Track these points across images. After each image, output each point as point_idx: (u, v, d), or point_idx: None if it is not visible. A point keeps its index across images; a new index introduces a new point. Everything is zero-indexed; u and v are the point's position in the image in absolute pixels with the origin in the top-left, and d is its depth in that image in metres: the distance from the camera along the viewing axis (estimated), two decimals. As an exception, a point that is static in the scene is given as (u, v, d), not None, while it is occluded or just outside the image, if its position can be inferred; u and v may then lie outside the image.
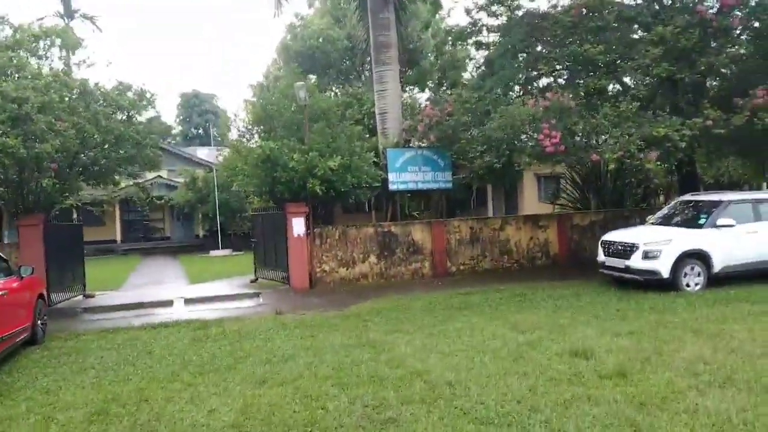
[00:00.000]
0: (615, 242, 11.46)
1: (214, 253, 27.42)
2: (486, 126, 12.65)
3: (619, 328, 7.68)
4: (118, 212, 32.35)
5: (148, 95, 13.40)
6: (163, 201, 32.36)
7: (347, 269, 13.35)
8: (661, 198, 19.42)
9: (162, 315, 10.77)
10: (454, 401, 5.00)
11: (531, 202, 23.12)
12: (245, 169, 13.02)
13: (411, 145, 15.17)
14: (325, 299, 11.70)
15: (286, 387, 5.69)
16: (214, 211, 28.33)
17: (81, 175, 13.08)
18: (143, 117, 13.73)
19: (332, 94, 28.11)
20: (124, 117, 12.66)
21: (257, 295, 12.51)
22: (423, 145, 14.57)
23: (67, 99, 11.27)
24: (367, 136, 16.67)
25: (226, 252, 27.29)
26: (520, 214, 21.34)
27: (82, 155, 12.52)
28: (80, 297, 13.20)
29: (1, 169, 9.61)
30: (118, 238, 32.22)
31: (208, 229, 30.73)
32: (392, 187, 14.36)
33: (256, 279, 14.69)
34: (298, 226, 12.86)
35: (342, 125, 14.10)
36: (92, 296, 13.43)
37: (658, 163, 14.94)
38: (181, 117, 56.04)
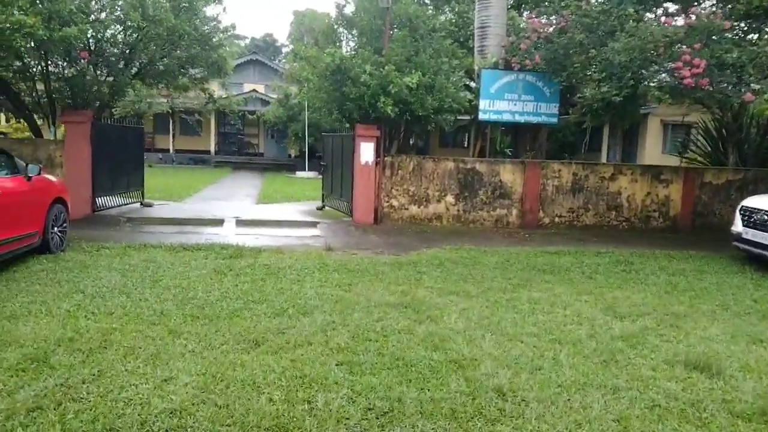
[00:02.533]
0: (759, 210, 9.01)
1: (300, 174, 26.93)
2: (608, 47, 10.24)
3: (758, 329, 5.67)
4: (213, 123, 32.54)
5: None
6: (255, 116, 32.05)
7: (419, 207, 11.79)
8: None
9: (204, 235, 9.86)
10: (496, 427, 3.41)
11: (653, 153, 20.13)
12: (312, 80, 11.54)
13: (512, 68, 12.89)
14: (387, 239, 10.28)
15: (279, 357, 4.36)
16: (304, 130, 27.50)
17: (138, 73, 12.20)
18: (210, 13, 12.48)
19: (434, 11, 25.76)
20: (181, 8, 11.38)
21: (315, 224, 11.32)
22: (527, 68, 12.30)
23: None
24: (464, 54, 14.57)
25: (312, 174, 26.65)
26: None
27: (135, 50, 11.55)
28: (137, 205, 12.70)
29: (20, 54, 8.63)
30: (212, 149, 32.59)
31: (299, 148, 30.16)
32: (482, 116, 12.37)
33: (323, 206, 13.55)
34: (366, 152, 11.36)
35: (431, 37, 12.12)
36: (150, 205, 12.91)
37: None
38: (293, 36, 55.19)
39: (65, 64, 10.84)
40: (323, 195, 13.78)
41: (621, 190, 12.41)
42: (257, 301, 5.87)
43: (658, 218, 12.62)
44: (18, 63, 10.39)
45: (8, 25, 7.96)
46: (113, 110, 13.11)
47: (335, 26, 12.98)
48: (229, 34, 13.45)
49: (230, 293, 6.13)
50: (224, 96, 32.14)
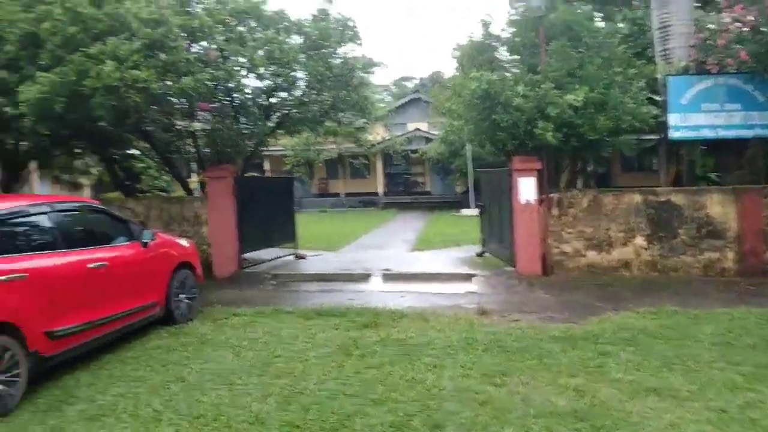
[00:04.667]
0: None
1: (465, 211, 25.71)
2: None
3: None
4: (379, 165, 32.82)
5: (350, 24, 11.39)
6: (418, 154, 31.71)
7: (599, 253, 9.69)
8: None
9: (346, 293, 8.91)
10: None
11: None
12: (456, 111, 10.18)
13: (708, 71, 10.32)
14: (557, 296, 8.43)
15: None
16: (467, 165, 26.29)
17: (280, 123, 11.88)
18: (344, 51, 11.80)
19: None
20: (320, 51, 10.82)
21: (470, 277, 9.82)
22: (728, 69, 9.73)
23: (232, 24, 9.78)
24: (643, 63, 12.24)
25: (477, 211, 25.24)
26: None
27: (271, 97, 11.21)
28: (291, 257, 12.29)
29: (139, 109, 8.43)
30: (380, 190, 32.81)
31: (464, 184, 29.07)
32: (674, 134, 9.97)
33: (482, 253, 12.00)
34: (525, 188, 9.64)
35: (598, 46, 10.14)
36: (303, 257, 12.44)
37: None
38: (458, 68, 54.94)
39: (209, 118, 10.81)
40: (482, 239, 12.22)
41: None
42: (377, 402, 4.56)
43: None
44: (164, 119, 10.54)
45: (121, 82, 7.84)
46: (262, 158, 12.93)
47: (481, 47, 11.54)
48: (372, 72, 12.69)
49: (348, 386, 4.90)
50: (388, 137, 32.33)
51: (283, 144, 27.08)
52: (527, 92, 9.21)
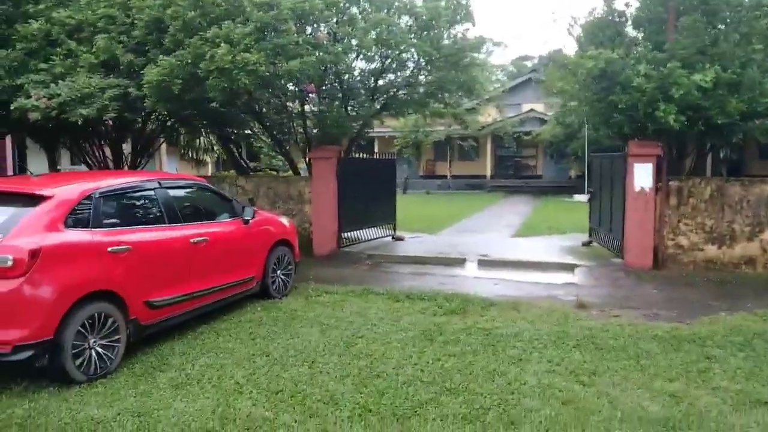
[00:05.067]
0: None
1: (577, 197, 24.60)
2: None
3: None
4: (489, 147, 32.26)
5: (463, 2, 11.10)
6: (531, 136, 30.64)
7: (719, 248, 8.83)
8: None
9: (438, 277, 8.84)
10: None
11: None
12: (569, 90, 9.60)
13: None
14: (668, 292, 7.80)
15: None
16: (583, 148, 25.04)
17: (385, 105, 11.90)
18: (458, 31, 11.52)
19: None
20: (430, 32, 10.65)
21: (572, 267, 9.35)
22: None
23: (344, 6, 9.83)
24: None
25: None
26: None
27: (379, 79, 11.23)
28: (389, 238, 12.40)
29: (245, 90, 8.67)
30: (488, 173, 32.29)
31: (579, 169, 27.74)
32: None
33: (590, 242, 11.40)
34: (641, 175, 8.96)
35: (737, 17, 9.09)
36: (401, 239, 12.51)
37: None
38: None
39: (317, 100, 11.06)
40: (590, 228, 11.57)
41: None
42: (453, 391, 4.47)
43: None
44: (275, 100, 10.91)
45: (233, 65, 8.12)
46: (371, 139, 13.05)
47: (602, 23, 10.72)
48: (485, 52, 12.35)
49: (425, 372, 4.85)
50: (499, 119, 31.48)
51: (392, 126, 27.29)
52: (650, 71, 8.48)
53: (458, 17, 11.37)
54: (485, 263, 9.83)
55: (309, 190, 10.83)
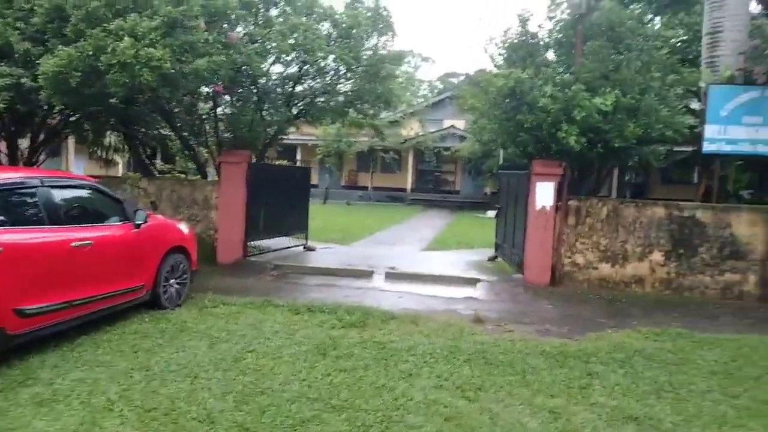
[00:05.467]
0: None
1: (490, 213, 25.23)
2: None
3: None
4: (411, 161, 32.61)
5: (383, 13, 11.18)
6: (450, 152, 31.29)
7: (613, 266, 9.28)
8: None
9: (343, 290, 8.75)
10: None
11: None
12: (479, 108, 9.85)
13: (755, 82, 9.70)
14: (562, 309, 8.09)
15: None
16: (499, 166, 25.81)
17: (302, 111, 11.77)
18: (378, 42, 11.58)
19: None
20: (349, 41, 10.63)
21: (475, 282, 9.54)
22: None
23: (260, 7, 9.65)
24: (688, 71, 11.66)
25: (498, 213, 24.89)
26: None
27: (297, 84, 11.11)
28: (300, 248, 12.19)
29: (148, 87, 8.32)
30: (409, 186, 32.60)
31: (495, 186, 28.61)
32: (708, 147, 9.44)
33: (495, 257, 11.68)
34: (543, 194, 9.29)
35: (639, 46, 9.63)
36: (312, 249, 12.33)
37: None
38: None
39: (230, 102, 10.77)
40: (496, 244, 11.89)
41: None
42: (338, 408, 4.37)
43: None
44: (186, 99, 10.50)
45: (136, 59, 7.76)
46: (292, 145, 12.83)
47: (516, 44, 11.09)
48: (412, 67, 12.56)
49: (312, 389, 4.73)
50: (421, 133, 31.97)
51: (315, 134, 27.11)
52: (555, 93, 8.83)
53: (379, 27, 11.45)
54: (393, 276, 9.85)
55: (216, 195, 10.48)
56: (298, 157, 31.65)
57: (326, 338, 6.06)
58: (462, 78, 54.63)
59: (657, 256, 9.13)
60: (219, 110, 11.10)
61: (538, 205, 9.35)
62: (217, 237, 10.34)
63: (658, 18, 19.03)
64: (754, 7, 12.16)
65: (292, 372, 5.08)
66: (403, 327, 6.65)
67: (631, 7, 25.45)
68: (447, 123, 34.02)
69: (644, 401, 4.77)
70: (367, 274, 9.92)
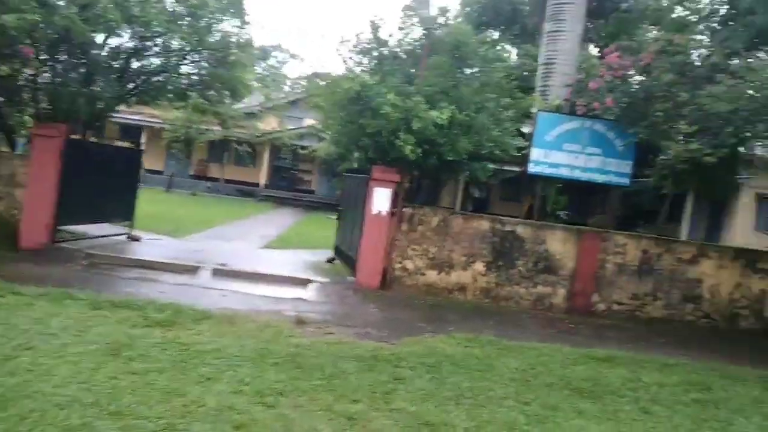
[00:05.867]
0: None
1: (338, 215, 25.30)
2: (704, 93, 7.94)
3: None
4: (267, 156, 31.69)
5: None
6: (308, 151, 30.99)
7: (439, 274, 9.62)
8: None
9: (162, 285, 8.17)
10: None
11: (743, 230, 17.04)
12: (324, 108, 9.78)
13: (578, 113, 10.65)
14: (387, 312, 8.20)
15: None
16: (346, 169, 25.94)
17: (137, 88, 10.88)
18: (229, 27, 11.06)
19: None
20: (200, 22, 10.00)
21: (306, 283, 9.38)
22: (595, 113, 10.05)
23: None
24: (523, 96, 12.55)
25: (348, 216, 25.01)
26: (725, 244, 15.58)
27: (134, 59, 10.26)
28: (123, 237, 11.19)
29: None
30: (262, 182, 31.65)
31: (349, 187, 28.77)
32: (533, 169, 10.18)
33: (333, 259, 11.62)
34: (380, 199, 9.40)
35: (479, 67, 10.13)
36: (137, 239, 11.38)
37: None
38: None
39: (52, 69, 9.61)
40: (335, 245, 11.87)
41: (703, 277, 9.79)
42: (116, 414, 3.94)
43: (748, 317, 9.87)
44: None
45: None
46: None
47: (366, 49, 11.21)
48: (279, 62, 12.17)
49: (91, 392, 4.24)
50: (279, 129, 31.29)
51: (165, 117, 25.41)
52: (397, 102, 8.96)
53: (230, 11, 10.93)
54: (221, 273, 9.37)
55: (24, 171, 9.29)
56: (143, 140, 29.51)
57: (124, 337, 5.52)
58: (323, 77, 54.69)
59: (479, 266, 9.62)
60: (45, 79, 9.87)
61: (375, 210, 9.44)
62: (22, 218, 9.17)
63: (515, 50, 20.44)
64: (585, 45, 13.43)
65: (72, 373, 4.53)
66: (216, 327, 6.28)
67: (486, 33, 27.03)
68: (307, 122, 33.70)
69: (443, 407, 4.88)
70: (192, 270, 9.33)
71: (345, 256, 10.80)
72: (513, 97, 11.37)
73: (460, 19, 24.58)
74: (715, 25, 10.03)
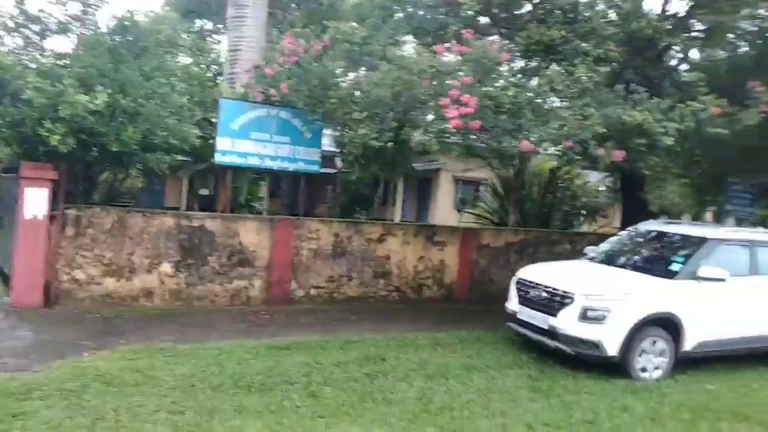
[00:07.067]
0: (536, 284, 7.50)
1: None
2: (366, 78, 8.36)
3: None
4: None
5: None
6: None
7: (118, 281, 8.56)
8: (597, 222, 15.87)
9: None
10: None
11: (445, 208, 19.27)
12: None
13: (259, 99, 10.45)
14: (43, 334, 6.94)
15: None
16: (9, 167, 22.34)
17: None
18: None
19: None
20: None
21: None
22: (275, 100, 9.96)
23: None
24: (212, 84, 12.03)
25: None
26: (429, 222, 17.35)
27: None
28: None
29: None
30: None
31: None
32: (220, 159, 9.72)
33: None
34: (33, 201, 7.96)
35: (156, 53, 9.21)
36: None
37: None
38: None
39: None
40: (-7, 260, 9.89)
41: (390, 253, 10.50)
42: None
43: (432, 286, 10.92)
44: None
45: None
46: None
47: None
48: None
49: None
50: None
51: None
52: (42, 85, 7.59)
53: None
54: None
55: None
56: None
57: None
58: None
59: (166, 267, 8.82)
60: None
61: (29, 214, 7.96)
62: None
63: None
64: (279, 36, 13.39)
65: None
66: None
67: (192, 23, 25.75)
68: None
69: (69, 438, 4.12)
70: None
71: (1, 273, 9.02)
72: (202, 85, 10.76)
73: (167, 9, 23.12)
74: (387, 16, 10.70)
